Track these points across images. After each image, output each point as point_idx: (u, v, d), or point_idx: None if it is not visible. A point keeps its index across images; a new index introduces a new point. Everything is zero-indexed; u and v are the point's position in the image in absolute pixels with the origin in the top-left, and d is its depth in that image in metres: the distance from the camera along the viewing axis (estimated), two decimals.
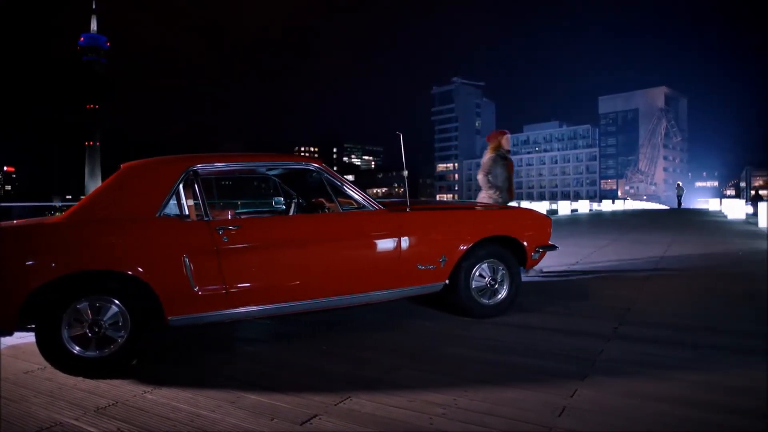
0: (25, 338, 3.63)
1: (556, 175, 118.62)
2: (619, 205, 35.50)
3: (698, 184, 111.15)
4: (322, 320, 4.00)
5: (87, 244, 2.94)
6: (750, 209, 19.01)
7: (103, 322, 2.91)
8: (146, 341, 3.02)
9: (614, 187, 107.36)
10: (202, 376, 2.91)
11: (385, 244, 3.56)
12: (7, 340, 3.60)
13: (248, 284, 3.18)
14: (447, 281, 3.84)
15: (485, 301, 3.99)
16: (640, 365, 2.92)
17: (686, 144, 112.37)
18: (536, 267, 5.26)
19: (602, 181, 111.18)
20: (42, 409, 2.49)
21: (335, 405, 2.46)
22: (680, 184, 32.51)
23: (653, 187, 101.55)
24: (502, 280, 4.04)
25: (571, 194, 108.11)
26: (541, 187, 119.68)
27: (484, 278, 3.98)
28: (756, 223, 13.27)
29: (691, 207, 36.45)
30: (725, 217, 18.33)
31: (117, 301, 2.94)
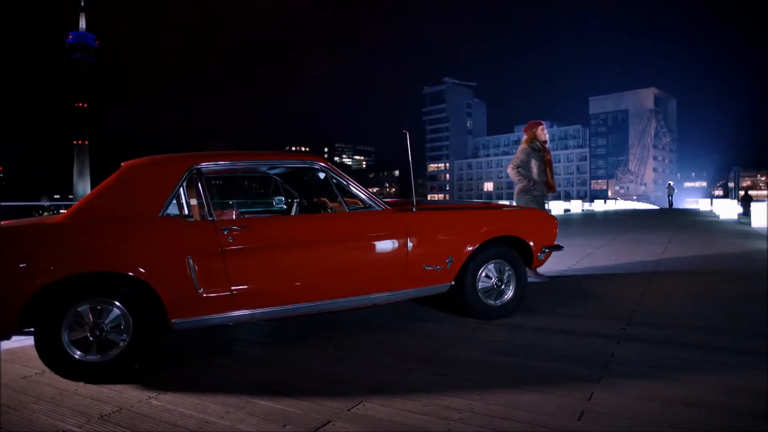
0: (20, 341, 3.53)
1: None
2: (611, 206, 35.69)
3: (687, 184, 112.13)
4: (325, 322, 3.93)
5: (88, 245, 2.85)
6: (740, 209, 19.16)
7: (104, 326, 2.82)
8: (149, 345, 2.94)
9: (604, 187, 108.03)
10: (207, 381, 2.83)
11: (392, 245, 3.49)
12: (2, 344, 3.49)
13: (254, 286, 3.10)
14: (453, 282, 3.78)
15: (491, 302, 3.94)
16: (654, 367, 2.88)
17: (675, 144, 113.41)
18: (539, 270, 5.23)
19: (593, 181, 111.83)
20: (44, 416, 2.40)
21: (348, 410, 2.39)
22: (671, 184, 32.72)
23: (643, 187, 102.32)
24: (508, 281, 3.99)
25: (562, 194, 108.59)
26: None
27: (491, 279, 3.93)
28: (749, 223, 13.35)
29: (682, 207, 36.72)
30: (717, 217, 18.45)
31: (119, 304, 2.85)
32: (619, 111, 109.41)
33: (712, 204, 25.77)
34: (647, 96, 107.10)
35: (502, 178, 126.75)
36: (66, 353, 2.75)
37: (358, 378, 2.81)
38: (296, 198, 4.43)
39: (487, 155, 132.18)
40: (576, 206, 29.56)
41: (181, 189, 3.24)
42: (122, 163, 3.23)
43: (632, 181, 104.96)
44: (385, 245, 3.48)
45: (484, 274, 3.89)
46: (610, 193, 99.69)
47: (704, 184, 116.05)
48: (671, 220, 17.13)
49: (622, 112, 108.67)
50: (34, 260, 2.72)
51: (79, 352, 2.77)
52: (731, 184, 57.75)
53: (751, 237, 10.29)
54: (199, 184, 3.17)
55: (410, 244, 3.54)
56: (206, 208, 3.13)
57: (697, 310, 4.19)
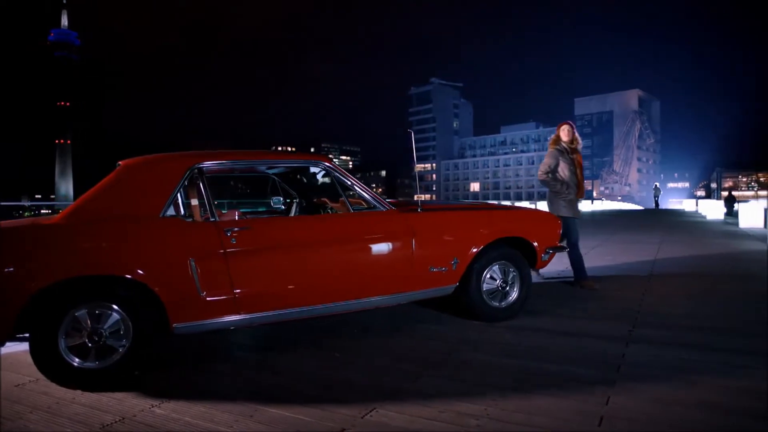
0: (10, 347, 3.39)
1: (533, 175, 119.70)
2: (597, 206, 35.96)
3: (670, 184, 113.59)
4: (325, 325, 3.84)
5: (86, 247, 2.73)
6: (725, 210, 19.39)
7: (103, 331, 2.71)
8: (149, 350, 2.83)
9: (590, 187, 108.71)
10: (212, 387, 2.73)
11: (398, 246, 3.42)
12: None
13: (258, 289, 3.01)
14: (457, 284, 3.72)
15: (496, 303, 3.88)
16: (666, 370, 2.84)
17: (659, 146, 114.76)
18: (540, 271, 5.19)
19: None
20: (42, 427, 2.29)
21: (362, 417, 2.31)
22: (657, 185, 33.07)
23: (627, 188, 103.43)
24: (512, 282, 3.93)
25: (547, 195, 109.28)
26: (518, 188, 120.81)
27: (495, 280, 3.87)
28: (736, 224, 13.50)
29: (667, 208, 37.13)
30: (704, 217, 18.67)
31: (118, 308, 2.74)
32: (604, 112, 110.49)
33: (697, 204, 26.07)
34: (631, 97, 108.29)
35: (488, 178, 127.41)
36: (63, 360, 2.64)
37: (366, 383, 2.74)
38: (295, 198, 4.33)
39: (474, 156, 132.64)
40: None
41: (183, 188, 3.12)
42: (120, 162, 3.11)
43: (617, 182, 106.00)
44: (390, 246, 3.41)
45: (488, 276, 3.84)
46: (595, 194, 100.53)
47: (687, 184, 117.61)
48: (659, 220, 17.28)
49: (607, 113, 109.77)
50: (29, 263, 2.60)
51: (76, 359, 2.66)
52: (714, 185, 58.57)
53: (740, 237, 10.39)
54: (201, 184, 3.07)
55: (415, 245, 3.47)
56: (208, 208, 3.03)
57: (699, 311, 4.18)
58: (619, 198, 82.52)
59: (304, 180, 4.27)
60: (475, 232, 3.74)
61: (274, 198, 4.57)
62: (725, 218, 17.53)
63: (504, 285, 3.90)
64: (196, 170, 3.06)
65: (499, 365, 2.97)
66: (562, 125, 5.32)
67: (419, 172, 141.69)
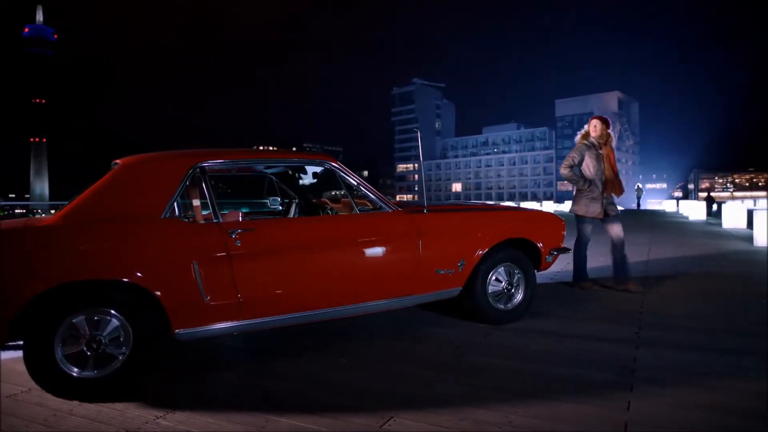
0: None
1: (515, 176, 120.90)
2: None
3: (649, 185, 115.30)
4: (327, 329, 3.74)
5: (84, 250, 2.58)
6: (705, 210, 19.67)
7: (102, 338, 2.57)
8: (150, 358, 2.69)
9: (570, 188, 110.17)
10: (218, 396, 2.61)
11: (405, 248, 3.33)
12: None
13: (263, 292, 2.90)
14: (463, 286, 3.65)
15: (501, 306, 3.82)
16: (681, 373, 2.80)
17: (638, 147, 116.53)
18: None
19: (558, 183, 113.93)
20: None
21: (380, 427, 2.22)
22: (639, 185, 33.53)
23: None
24: (518, 285, 3.88)
25: (529, 195, 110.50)
26: (499, 188, 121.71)
27: (501, 283, 3.81)
28: (719, 224, 13.70)
29: (647, 208, 37.65)
30: (686, 218, 18.93)
31: (118, 314, 2.60)
32: (584, 113, 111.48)
33: (678, 205, 26.46)
34: (611, 99, 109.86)
35: (470, 179, 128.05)
36: (59, 369, 2.49)
37: (379, 390, 2.64)
38: (294, 199, 4.21)
39: (456, 156, 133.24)
40: (548, 207, 29.97)
41: (186, 189, 2.98)
42: (119, 161, 2.97)
43: None
44: (398, 248, 3.32)
45: (494, 278, 3.77)
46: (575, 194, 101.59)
47: (665, 185, 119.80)
48: (643, 221, 17.46)
49: (588, 114, 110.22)
50: (24, 267, 2.46)
51: (73, 368, 2.52)
52: (691, 186, 59.69)
53: (726, 238, 10.53)
54: (203, 184, 2.95)
55: (422, 247, 3.39)
56: (211, 209, 2.91)
57: (701, 312, 4.17)
58: None
59: (303, 180, 4.17)
60: (481, 234, 3.67)
61: (271, 198, 4.45)
62: (707, 219, 17.80)
63: (509, 287, 3.84)
64: (198, 169, 2.94)
65: (513, 370, 2.90)
66: (591, 119, 5.02)
67: (401, 172, 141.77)
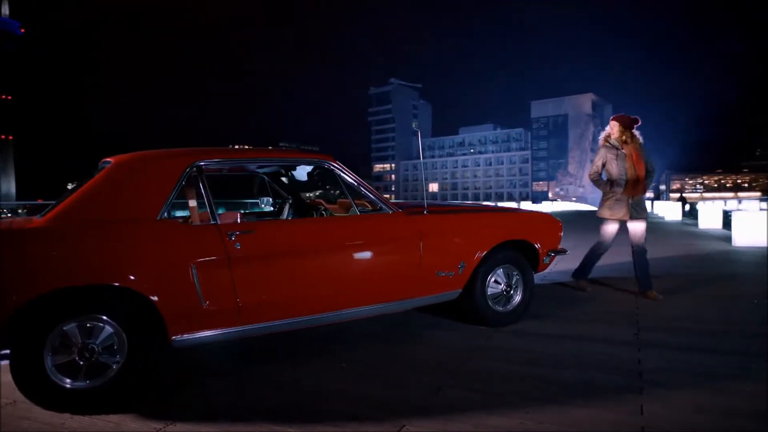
0: None
1: (491, 176, 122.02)
2: (557, 206, 36.78)
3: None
4: (323, 334, 3.64)
5: (76, 253, 2.44)
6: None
7: (95, 346, 2.43)
8: (146, 366, 2.56)
9: (545, 188, 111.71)
10: (219, 407, 2.50)
11: (407, 250, 3.26)
12: None
13: (263, 297, 2.79)
14: (462, 289, 3.59)
15: (500, 308, 3.78)
16: (688, 375, 2.79)
17: None
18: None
19: (534, 183, 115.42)
20: None
21: None
22: None
23: (581, 189, 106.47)
24: (516, 286, 3.84)
25: (505, 195, 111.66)
26: (476, 188, 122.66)
27: (500, 284, 3.76)
28: (695, 225, 13.97)
29: None
30: (662, 218, 19.28)
31: (112, 321, 2.47)
32: (559, 115, 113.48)
33: (652, 206, 26.97)
34: (585, 101, 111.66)
35: (446, 179, 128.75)
36: (49, 380, 2.35)
37: (386, 397, 2.56)
38: (288, 199, 4.10)
39: (432, 156, 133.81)
40: (527, 207, 30.26)
41: (182, 189, 2.84)
42: (110, 159, 2.82)
43: (571, 183, 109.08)
44: (400, 250, 3.24)
45: (493, 280, 3.73)
46: (550, 195, 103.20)
47: None
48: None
49: (563, 116, 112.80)
50: (11, 272, 2.30)
51: (64, 378, 2.38)
52: (662, 187, 61.01)
53: (705, 238, 10.73)
54: (200, 184, 2.82)
55: (423, 249, 3.32)
56: (209, 210, 2.78)
57: (696, 313, 4.18)
58: (574, 199, 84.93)
59: (298, 179, 4.05)
60: (481, 235, 3.62)
61: (262, 198, 4.32)
62: (683, 219, 18.16)
63: (508, 289, 3.80)
64: (195, 168, 2.81)
65: (519, 374, 2.85)
66: (611, 120, 4.85)
67: (378, 172, 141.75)
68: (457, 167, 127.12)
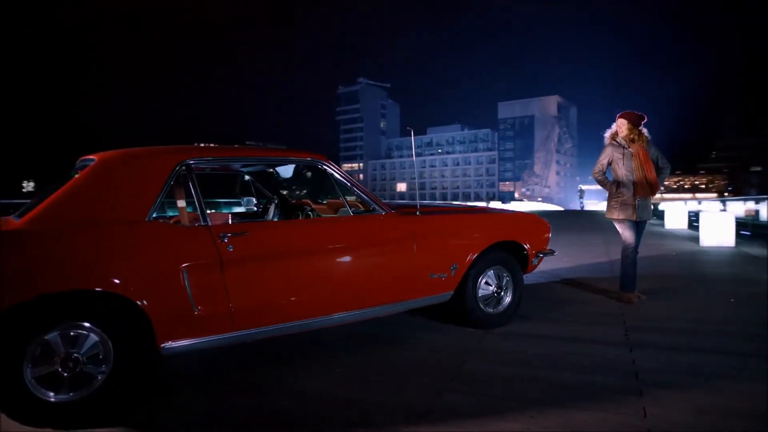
0: None
1: (458, 176, 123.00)
2: (524, 206, 37.32)
3: (585, 186, 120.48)
4: (314, 338, 3.54)
5: (58, 257, 2.28)
6: None
7: (79, 356, 2.29)
8: (134, 376, 2.42)
9: (512, 189, 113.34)
10: (215, 416, 2.38)
11: (400, 252, 3.19)
12: None
13: (257, 301, 2.68)
14: (454, 291, 3.55)
15: (490, 310, 3.75)
16: (685, 376, 2.81)
17: (576, 149, 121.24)
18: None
19: (500, 183, 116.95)
20: None
21: None
22: (582, 188, 34.82)
23: (547, 190, 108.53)
24: (506, 288, 3.82)
25: (472, 195, 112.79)
26: (443, 188, 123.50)
27: (490, 286, 3.74)
28: (661, 225, 14.34)
29: (589, 209, 39.11)
30: None
31: (97, 328, 2.32)
32: (526, 116, 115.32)
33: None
34: (551, 103, 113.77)
35: (414, 179, 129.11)
36: (30, 393, 2.19)
37: (386, 402, 2.50)
38: (273, 199, 3.98)
39: (401, 156, 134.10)
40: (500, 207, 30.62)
41: (171, 188, 2.70)
42: (94, 156, 2.65)
43: (537, 184, 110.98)
44: (393, 252, 3.18)
45: (484, 281, 3.70)
46: (516, 195, 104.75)
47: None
48: (589, 222, 18.04)
49: (529, 117, 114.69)
50: None
51: (47, 391, 2.22)
52: None
53: (672, 238, 11.01)
54: (190, 183, 2.69)
55: (417, 251, 3.26)
56: (199, 210, 2.66)
57: (678, 313, 4.24)
58: (539, 199, 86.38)
59: (278, 180, 3.94)
60: (473, 237, 3.59)
61: (245, 198, 4.18)
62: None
63: (498, 290, 3.77)
64: (184, 167, 2.68)
65: (518, 376, 2.82)
66: (617, 117, 4.59)
67: (347, 171, 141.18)
68: (425, 167, 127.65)
